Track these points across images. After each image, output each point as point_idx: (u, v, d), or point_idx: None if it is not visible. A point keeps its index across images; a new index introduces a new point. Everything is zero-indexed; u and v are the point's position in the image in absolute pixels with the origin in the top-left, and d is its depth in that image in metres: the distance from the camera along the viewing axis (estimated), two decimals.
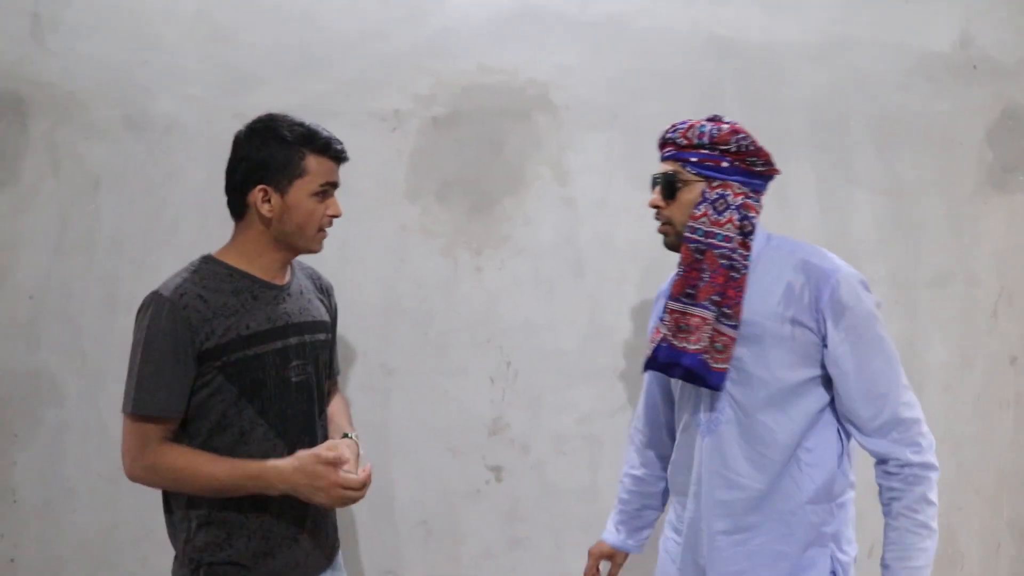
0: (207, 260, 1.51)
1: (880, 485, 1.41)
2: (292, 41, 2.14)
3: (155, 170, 2.14)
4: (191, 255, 2.12)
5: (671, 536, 1.59)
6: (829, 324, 1.38)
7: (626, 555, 1.74)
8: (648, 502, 1.73)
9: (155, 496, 2.11)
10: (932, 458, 1.37)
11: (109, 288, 2.13)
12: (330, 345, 1.62)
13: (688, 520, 1.52)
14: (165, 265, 2.12)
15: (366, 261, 2.13)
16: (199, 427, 1.43)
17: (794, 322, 1.39)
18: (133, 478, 1.44)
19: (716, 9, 2.20)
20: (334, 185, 1.50)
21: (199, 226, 2.14)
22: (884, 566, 1.39)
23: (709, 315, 1.40)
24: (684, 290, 1.44)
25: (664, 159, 1.51)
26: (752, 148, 1.44)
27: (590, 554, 1.75)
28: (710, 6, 2.20)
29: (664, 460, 1.69)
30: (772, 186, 2.18)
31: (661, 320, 1.48)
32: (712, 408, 1.46)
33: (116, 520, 2.14)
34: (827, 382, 1.43)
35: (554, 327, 2.16)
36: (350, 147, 2.14)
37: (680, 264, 1.46)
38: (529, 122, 2.17)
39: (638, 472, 1.73)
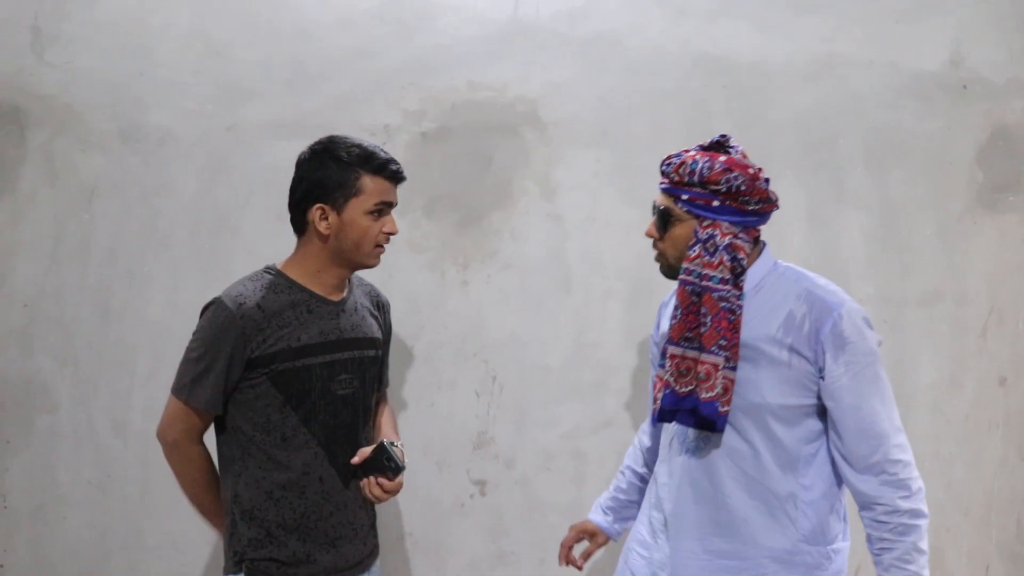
0: (270, 271, 1.58)
1: (869, 534, 1.39)
2: (285, 56, 2.17)
3: (149, 182, 2.17)
4: (184, 265, 2.17)
5: (637, 551, 1.57)
6: (828, 357, 1.37)
7: (607, 539, 1.75)
8: (640, 498, 1.73)
9: (144, 504, 2.16)
10: (922, 505, 1.36)
11: (102, 297, 2.17)
12: (380, 361, 1.68)
13: (664, 538, 1.51)
14: (157, 275, 2.17)
15: (358, 274, 2.14)
16: (245, 423, 1.52)
17: (792, 350, 1.39)
18: (159, 439, 1.57)
19: (706, 27, 2.21)
20: (390, 204, 1.56)
21: (191, 237, 2.18)
22: None
23: (720, 361, 1.39)
24: (684, 334, 1.43)
25: (661, 190, 1.50)
26: (744, 188, 1.39)
27: (572, 528, 1.76)
28: (700, 24, 2.21)
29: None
30: None
31: (661, 366, 1.47)
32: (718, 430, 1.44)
33: (106, 526, 2.17)
34: (821, 414, 1.42)
35: (540, 342, 2.17)
36: None
37: (678, 306, 1.44)
38: (518, 138, 2.18)
39: (640, 469, 1.74)
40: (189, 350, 1.53)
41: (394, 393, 2.17)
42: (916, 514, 1.34)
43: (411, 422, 2.17)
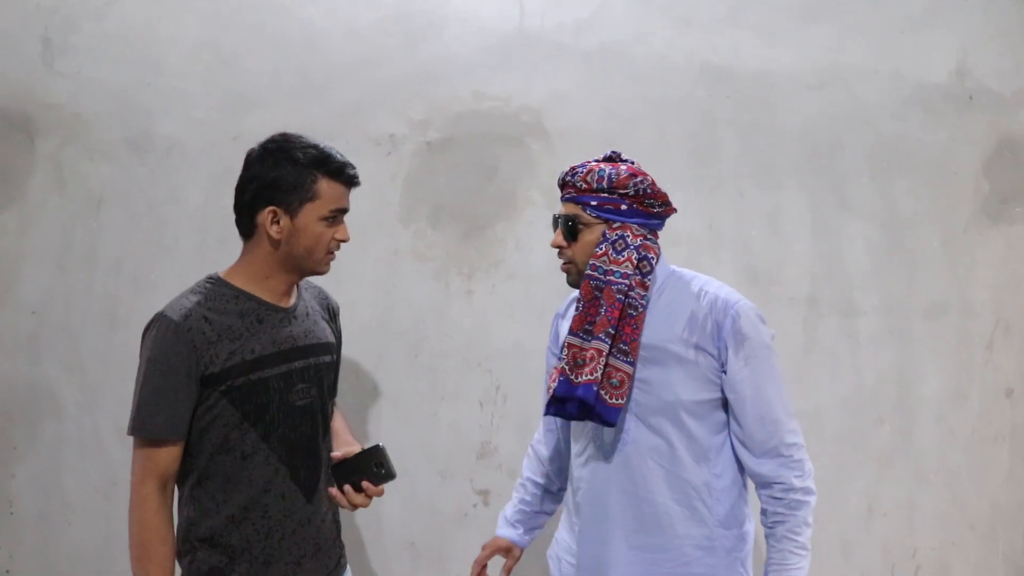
0: (213, 281, 1.47)
1: (765, 510, 1.48)
2: (291, 67, 2.19)
3: (156, 190, 2.19)
4: (190, 274, 2.16)
5: (566, 559, 1.61)
6: (730, 352, 1.46)
7: (521, 551, 1.78)
8: (545, 507, 1.79)
9: None
10: (812, 484, 1.46)
11: (109, 305, 2.18)
12: (335, 366, 1.61)
13: (590, 541, 1.53)
14: (164, 283, 2.18)
15: (359, 284, 2.16)
16: (202, 449, 1.41)
17: (697, 348, 1.46)
18: (131, 499, 1.41)
19: (711, 37, 2.21)
20: (343, 211, 1.47)
21: (198, 246, 2.19)
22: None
23: (604, 347, 1.45)
24: (583, 325, 1.49)
25: (564, 200, 1.55)
26: (650, 191, 1.49)
27: (485, 547, 1.78)
28: (705, 34, 2.21)
29: (561, 472, 1.75)
30: (765, 213, 2.21)
31: (559, 358, 1.52)
32: (619, 429, 1.50)
33: (111, 533, 2.18)
34: (725, 406, 1.51)
35: (544, 352, 2.16)
36: None
37: (580, 300, 1.50)
38: (522, 148, 2.19)
39: (540, 480, 1.77)
40: (137, 380, 1.39)
41: (397, 402, 2.18)
42: (807, 491, 1.45)
43: (414, 431, 2.18)
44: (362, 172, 2.15)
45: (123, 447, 2.18)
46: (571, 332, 1.49)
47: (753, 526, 1.56)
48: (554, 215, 1.57)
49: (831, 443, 2.19)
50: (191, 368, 1.36)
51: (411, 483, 2.17)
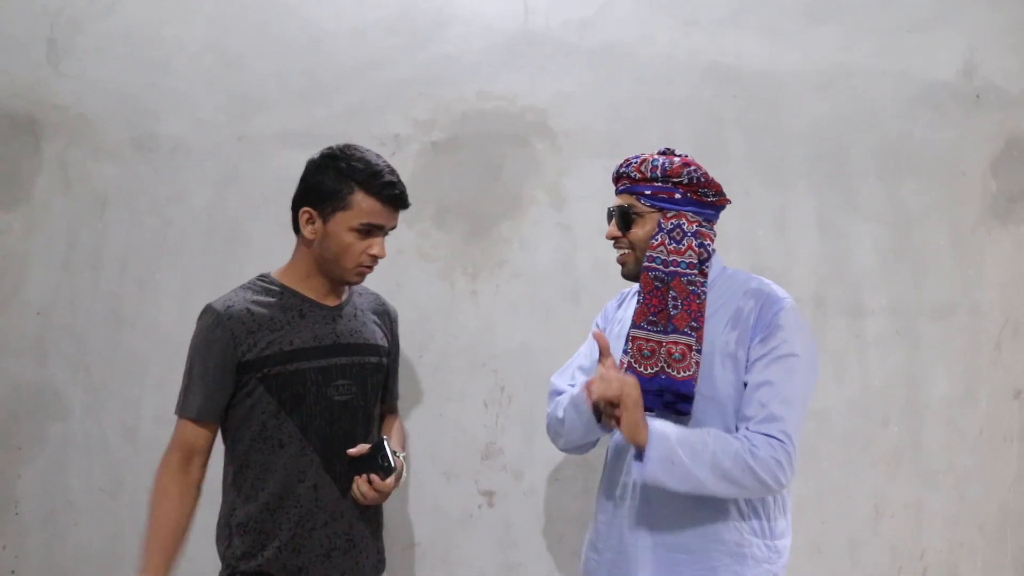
0: (262, 277, 1.58)
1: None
2: (296, 67, 2.19)
3: (161, 191, 2.19)
4: (195, 274, 2.18)
5: (591, 556, 1.60)
6: (758, 340, 1.43)
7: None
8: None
9: None
10: (781, 474, 1.36)
11: (114, 305, 2.18)
12: (384, 369, 1.65)
13: (617, 536, 1.52)
14: (169, 284, 2.18)
15: (363, 284, 2.15)
16: (243, 435, 1.50)
17: (739, 342, 1.45)
18: (159, 466, 1.52)
19: (717, 37, 2.20)
20: (380, 227, 1.51)
21: (203, 246, 2.19)
22: (663, 420, 1.40)
23: (692, 341, 1.44)
24: (647, 317, 1.48)
25: (619, 193, 1.56)
26: (703, 180, 1.50)
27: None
28: (711, 34, 2.20)
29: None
30: (772, 213, 2.20)
31: (625, 351, 1.51)
32: (687, 410, 1.48)
33: (116, 533, 2.18)
34: None
35: (549, 352, 2.16)
36: None
37: (640, 292, 1.50)
38: (527, 148, 2.18)
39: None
40: (186, 365, 1.53)
41: (402, 403, 2.17)
42: (763, 465, 1.35)
43: (420, 432, 2.17)
44: None
45: (129, 447, 2.18)
46: (634, 324, 1.49)
47: (790, 541, 1.52)
48: (608, 208, 1.58)
49: (838, 444, 2.18)
50: (228, 355, 1.47)
51: (416, 484, 2.16)
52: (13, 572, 2.18)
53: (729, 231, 2.19)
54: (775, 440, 1.37)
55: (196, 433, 1.50)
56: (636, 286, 1.65)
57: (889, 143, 2.21)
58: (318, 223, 1.49)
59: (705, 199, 1.51)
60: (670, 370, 1.44)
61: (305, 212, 1.50)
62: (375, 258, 1.52)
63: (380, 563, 1.62)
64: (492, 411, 2.17)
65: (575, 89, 2.19)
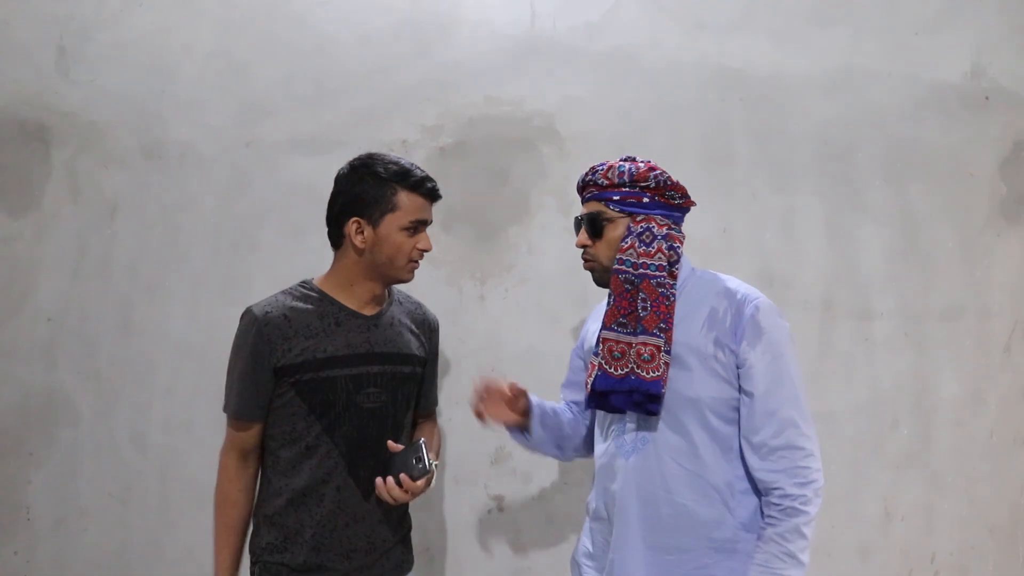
0: (303, 284, 1.61)
1: (764, 513, 1.45)
2: (304, 73, 2.20)
3: (170, 197, 2.20)
4: (204, 280, 2.19)
5: (585, 563, 1.60)
6: (746, 344, 1.44)
7: (525, 409, 1.66)
8: (560, 433, 1.70)
9: (164, 516, 2.18)
10: (811, 493, 1.40)
11: (124, 311, 2.19)
12: (419, 379, 1.67)
13: (608, 542, 1.53)
14: (178, 290, 2.19)
15: (407, 292, 2.15)
16: (277, 434, 1.55)
17: (717, 343, 1.46)
18: (218, 474, 1.59)
19: (724, 41, 2.21)
20: (424, 222, 1.57)
21: (212, 252, 2.20)
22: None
23: (660, 343, 1.46)
24: (617, 319, 1.49)
25: (586, 201, 1.57)
26: (669, 183, 1.52)
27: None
28: (718, 38, 2.21)
29: (580, 434, 1.73)
30: (779, 216, 2.20)
31: (595, 353, 1.53)
32: (640, 427, 1.50)
33: (126, 539, 2.18)
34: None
35: (557, 356, 2.16)
36: None
37: (611, 294, 1.51)
38: (535, 153, 2.19)
39: (569, 416, 1.73)
40: (228, 363, 1.58)
41: None
42: (806, 501, 1.40)
43: None
44: None
45: (138, 453, 2.18)
46: (604, 327, 1.50)
47: None
48: (576, 217, 1.59)
49: (848, 447, 2.17)
50: (264, 358, 1.51)
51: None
52: None
53: (736, 234, 2.19)
54: (794, 478, 1.40)
55: (244, 431, 1.55)
56: (595, 311, 1.70)
57: (897, 145, 2.20)
58: (368, 231, 1.53)
59: (672, 201, 1.53)
60: (639, 371, 1.45)
61: (354, 222, 1.53)
62: (423, 252, 1.59)
63: (405, 563, 1.65)
64: None
65: (582, 93, 2.19)
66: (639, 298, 1.48)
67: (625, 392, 1.47)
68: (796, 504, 1.40)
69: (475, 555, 2.17)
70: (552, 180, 2.19)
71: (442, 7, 2.20)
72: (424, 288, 2.17)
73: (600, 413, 1.61)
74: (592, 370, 1.51)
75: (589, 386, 1.51)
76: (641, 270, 1.48)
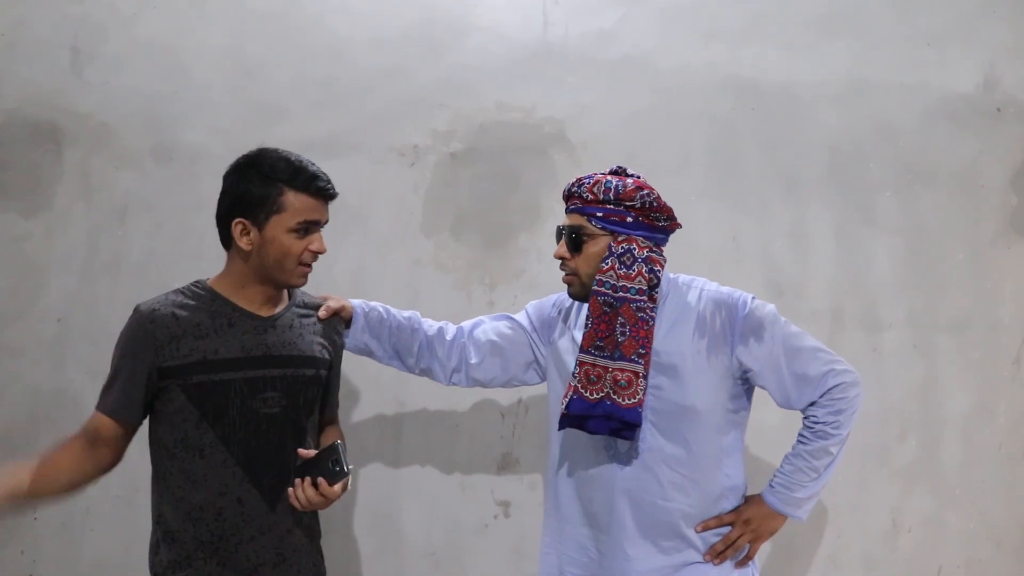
0: (196, 284, 1.54)
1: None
2: (316, 76, 2.20)
3: (181, 199, 2.20)
4: None
5: (572, 571, 1.59)
6: (753, 342, 1.48)
7: (350, 316, 1.67)
8: (392, 337, 1.69)
9: None
10: (846, 419, 1.50)
11: None
12: (322, 382, 1.58)
13: (602, 550, 1.54)
14: None
15: (380, 294, 2.14)
16: (165, 440, 1.48)
17: (710, 349, 1.48)
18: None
19: (735, 50, 2.21)
20: (316, 223, 1.49)
21: (222, 254, 2.18)
22: (769, 485, 1.54)
23: (639, 369, 1.46)
24: (594, 342, 1.48)
25: (569, 212, 1.56)
26: (656, 204, 1.50)
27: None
28: (729, 46, 2.21)
29: (428, 368, 1.72)
30: (789, 226, 2.20)
31: (573, 374, 1.51)
32: (631, 437, 1.50)
33: (132, 540, 2.18)
34: (738, 406, 1.55)
35: None
36: (370, 181, 2.19)
37: (589, 316, 1.49)
38: (545, 159, 2.19)
39: (426, 333, 1.71)
40: (111, 360, 1.51)
41: (419, 413, 2.18)
42: (838, 425, 1.50)
43: (436, 443, 2.17)
44: (385, 182, 2.18)
45: (145, 455, 2.18)
46: (582, 349, 1.49)
47: (744, 477, 1.62)
48: (558, 226, 1.58)
49: (855, 458, 2.16)
50: (148, 357, 1.43)
51: (432, 494, 2.17)
52: None
53: (745, 244, 2.19)
54: (832, 393, 1.49)
55: (105, 426, 1.48)
56: (565, 301, 1.70)
57: (907, 156, 2.20)
58: (253, 232, 1.45)
59: (656, 223, 1.51)
60: (615, 396, 1.45)
61: (238, 224, 1.45)
62: (316, 255, 1.50)
63: (318, 574, 1.58)
64: (509, 422, 2.17)
65: (593, 100, 2.19)
66: (618, 322, 1.46)
67: (601, 417, 1.46)
68: (829, 429, 1.48)
69: (481, 560, 2.17)
70: (562, 187, 2.13)
71: (454, 13, 2.21)
72: (433, 293, 2.18)
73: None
74: (568, 391, 1.50)
75: (564, 407, 1.50)
76: (621, 293, 1.47)
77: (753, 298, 1.55)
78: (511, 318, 1.76)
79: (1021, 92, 2.22)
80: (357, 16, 2.21)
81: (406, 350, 1.71)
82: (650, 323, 1.47)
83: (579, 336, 1.58)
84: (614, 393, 1.45)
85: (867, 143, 2.20)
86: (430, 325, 1.74)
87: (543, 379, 1.73)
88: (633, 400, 1.44)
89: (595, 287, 1.48)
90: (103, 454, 1.52)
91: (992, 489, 2.19)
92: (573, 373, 1.51)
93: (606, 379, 1.46)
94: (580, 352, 1.49)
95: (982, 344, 2.19)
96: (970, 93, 2.21)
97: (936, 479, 2.18)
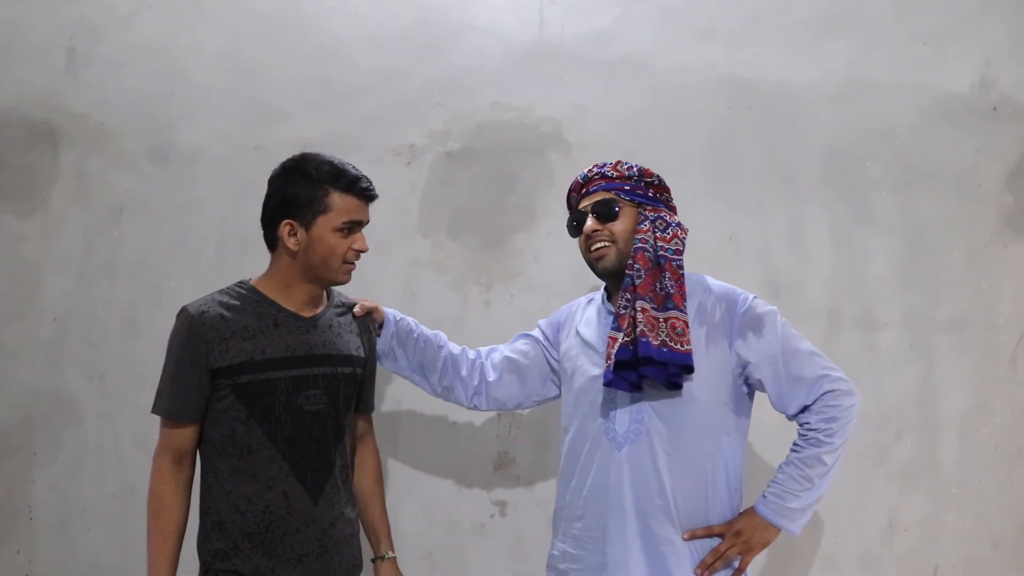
0: (241, 284, 1.60)
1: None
2: (313, 77, 2.20)
3: (178, 200, 2.20)
4: (210, 283, 2.17)
5: (569, 566, 1.59)
6: (751, 336, 1.51)
7: (380, 323, 1.74)
8: (423, 356, 1.76)
9: None
10: (839, 427, 1.49)
11: (129, 313, 2.20)
12: (359, 380, 1.65)
13: (596, 538, 1.54)
14: (184, 292, 2.18)
15: (378, 294, 2.13)
16: (214, 436, 1.53)
17: (707, 339, 1.54)
18: (152, 477, 1.55)
19: (733, 50, 2.21)
20: (359, 223, 1.56)
21: (219, 255, 2.20)
22: (762, 496, 1.54)
23: (688, 318, 1.51)
24: (648, 292, 1.51)
25: (593, 192, 1.61)
26: (666, 185, 1.64)
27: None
28: (727, 47, 2.21)
29: (449, 389, 1.77)
30: (786, 226, 2.20)
31: (613, 327, 1.54)
32: (632, 418, 1.52)
33: (129, 540, 2.18)
34: (738, 407, 1.56)
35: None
36: None
37: (639, 269, 1.52)
38: (542, 159, 2.19)
39: (448, 347, 1.78)
40: (164, 363, 1.56)
41: (415, 413, 2.18)
42: (831, 433, 1.50)
43: (432, 442, 2.17)
44: (382, 182, 2.16)
45: (142, 455, 2.18)
46: (640, 297, 1.51)
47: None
48: (579, 209, 1.62)
49: (852, 458, 2.16)
50: (200, 358, 1.49)
51: (428, 494, 2.17)
52: None
53: (743, 243, 2.19)
54: (824, 399, 1.50)
55: (180, 433, 1.53)
56: (570, 306, 1.75)
57: (904, 156, 2.20)
58: (301, 233, 1.52)
59: (669, 203, 1.64)
60: (671, 343, 1.48)
61: (287, 225, 1.52)
62: (359, 253, 1.57)
63: (356, 567, 1.64)
64: (505, 421, 2.17)
65: (590, 101, 2.19)
66: (664, 276, 1.52)
67: (658, 364, 1.48)
68: (821, 436, 1.49)
69: (477, 560, 2.17)
70: (559, 187, 2.18)
71: (451, 13, 2.21)
72: (429, 293, 2.18)
73: (571, 406, 1.63)
74: (613, 344, 1.51)
75: (612, 359, 1.50)
76: (661, 253, 1.53)
77: (755, 297, 1.59)
78: (525, 335, 1.83)
79: (1017, 92, 2.22)
80: (354, 17, 2.21)
81: (431, 366, 1.77)
82: (684, 284, 1.53)
83: (584, 329, 1.67)
84: (671, 340, 1.48)
85: (864, 143, 2.20)
86: (454, 345, 1.81)
87: (560, 389, 1.76)
88: (688, 347, 1.48)
89: (638, 244, 1.54)
90: (188, 465, 1.56)
91: (989, 489, 2.19)
92: (613, 326, 1.53)
93: (663, 326, 1.49)
94: (639, 299, 1.51)
95: (979, 344, 2.19)
96: (967, 93, 2.21)
97: (933, 479, 2.18)
